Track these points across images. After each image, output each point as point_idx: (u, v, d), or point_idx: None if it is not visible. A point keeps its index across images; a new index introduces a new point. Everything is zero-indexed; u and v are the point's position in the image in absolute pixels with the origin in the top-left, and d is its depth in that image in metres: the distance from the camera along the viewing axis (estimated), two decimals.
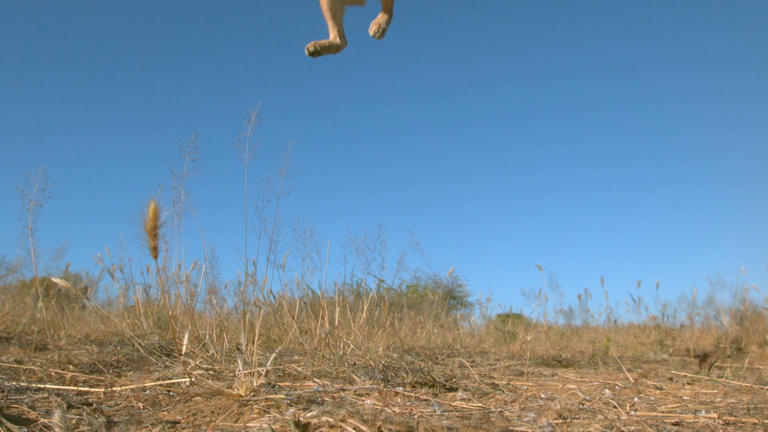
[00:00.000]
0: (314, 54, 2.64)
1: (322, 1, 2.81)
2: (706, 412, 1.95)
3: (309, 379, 2.33)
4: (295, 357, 3.32)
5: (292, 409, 1.63)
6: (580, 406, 2.00)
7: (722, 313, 7.26)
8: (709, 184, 14.84)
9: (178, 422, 1.63)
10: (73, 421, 1.55)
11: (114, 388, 2.05)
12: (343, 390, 2.05)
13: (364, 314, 3.79)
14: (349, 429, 1.37)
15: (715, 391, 2.53)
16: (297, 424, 1.39)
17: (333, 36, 2.80)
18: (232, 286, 5.38)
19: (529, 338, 5.32)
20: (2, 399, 1.78)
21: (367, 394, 2.02)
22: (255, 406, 1.72)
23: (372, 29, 2.87)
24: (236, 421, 1.61)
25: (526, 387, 2.61)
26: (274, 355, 2.14)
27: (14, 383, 2.04)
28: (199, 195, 3.96)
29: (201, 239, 3.92)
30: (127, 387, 2.06)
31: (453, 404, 1.97)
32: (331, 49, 2.76)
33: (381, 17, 2.89)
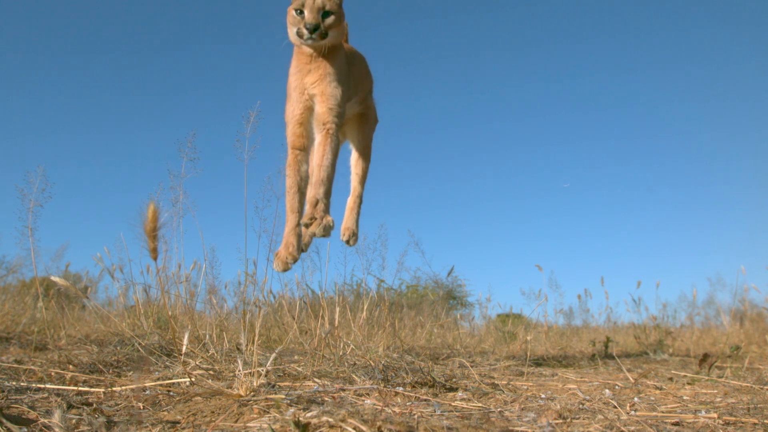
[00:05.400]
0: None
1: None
2: (706, 412, 1.95)
3: (309, 379, 2.33)
4: (295, 357, 3.32)
5: (292, 409, 1.63)
6: (580, 406, 2.00)
7: (722, 313, 7.27)
8: (709, 184, 14.82)
9: (178, 422, 1.63)
10: (73, 421, 1.55)
11: (114, 388, 2.05)
12: (343, 390, 2.05)
13: (364, 314, 3.79)
14: (349, 429, 1.37)
15: (715, 391, 2.53)
16: (297, 424, 1.39)
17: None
18: (232, 286, 5.39)
19: (529, 338, 5.31)
20: (2, 399, 1.78)
21: (367, 394, 2.02)
22: (255, 406, 1.72)
23: (345, 235, 2.58)
24: (236, 421, 1.61)
25: (526, 387, 2.61)
26: (274, 355, 2.14)
27: (14, 383, 2.04)
28: (198, 195, 3.98)
29: (201, 239, 3.92)
30: (127, 387, 2.06)
31: (453, 404, 1.97)
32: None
33: (349, 215, 2.58)
